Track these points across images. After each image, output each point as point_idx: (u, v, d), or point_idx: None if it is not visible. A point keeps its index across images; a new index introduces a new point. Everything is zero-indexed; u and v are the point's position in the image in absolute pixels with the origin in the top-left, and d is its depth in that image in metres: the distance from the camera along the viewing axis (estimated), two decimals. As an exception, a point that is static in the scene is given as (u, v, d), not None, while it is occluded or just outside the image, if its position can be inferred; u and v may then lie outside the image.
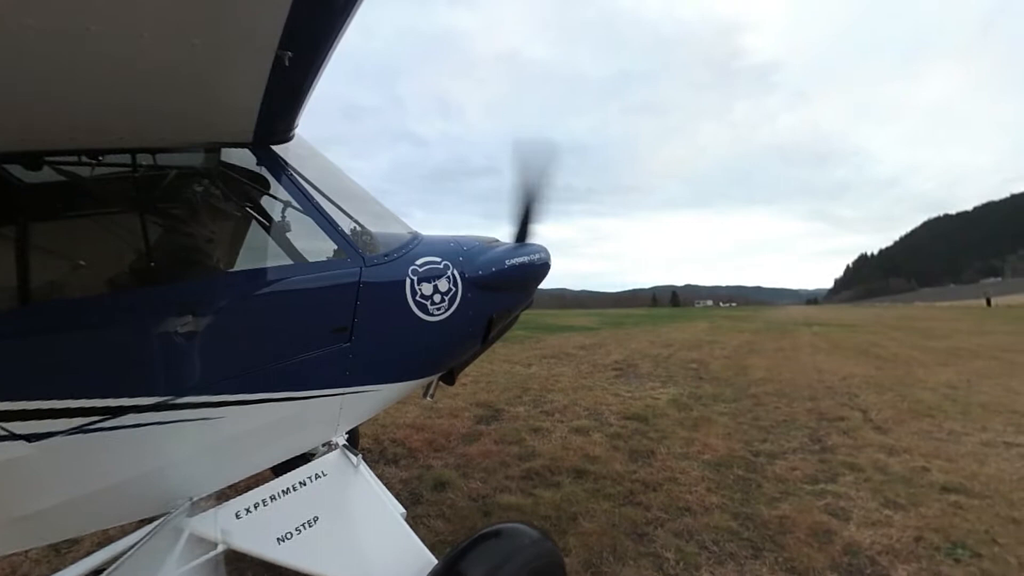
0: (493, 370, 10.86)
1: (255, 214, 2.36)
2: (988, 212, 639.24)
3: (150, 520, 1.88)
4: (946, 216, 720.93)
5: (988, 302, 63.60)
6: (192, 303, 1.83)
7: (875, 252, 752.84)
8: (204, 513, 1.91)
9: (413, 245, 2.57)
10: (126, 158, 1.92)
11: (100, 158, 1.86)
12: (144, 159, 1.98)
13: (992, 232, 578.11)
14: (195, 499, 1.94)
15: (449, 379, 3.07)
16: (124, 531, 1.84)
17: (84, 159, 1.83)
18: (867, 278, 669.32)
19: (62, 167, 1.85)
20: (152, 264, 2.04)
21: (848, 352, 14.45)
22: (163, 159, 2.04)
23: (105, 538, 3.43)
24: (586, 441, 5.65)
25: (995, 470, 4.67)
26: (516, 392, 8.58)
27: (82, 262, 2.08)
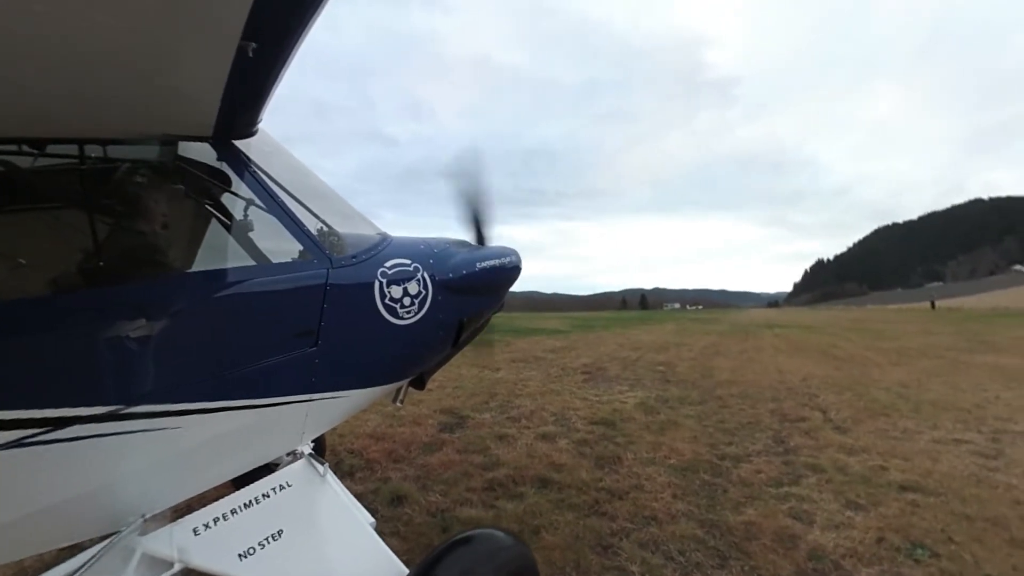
0: (461, 375, 10.60)
1: (215, 212, 2.23)
2: (931, 221, 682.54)
3: (96, 541, 1.74)
4: (895, 224, 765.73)
5: (932, 305, 67.80)
6: (145, 305, 1.72)
7: (831, 257, 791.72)
8: (158, 531, 1.78)
9: (382, 247, 2.48)
10: (73, 149, 1.79)
11: (43, 148, 1.72)
12: (93, 150, 1.86)
13: (935, 240, 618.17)
14: (148, 516, 1.79)
15: (419, 384, 2.97)
16: (42, 559, 1.57)
17: (25, 148, 1.69)
18: (824, 282, 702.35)
19: (0, 156, 1.72)
20: (101, 263, 1.87)
21: (808, 353, 14.93)
22: (114, 151, 1.92)
23: (20, 569, 3.04)
24: (552, 448, 5.50)
25: (947, 467, 4.78)
26: (483, 398, 8.36)
27: (22, 260, 1.91)
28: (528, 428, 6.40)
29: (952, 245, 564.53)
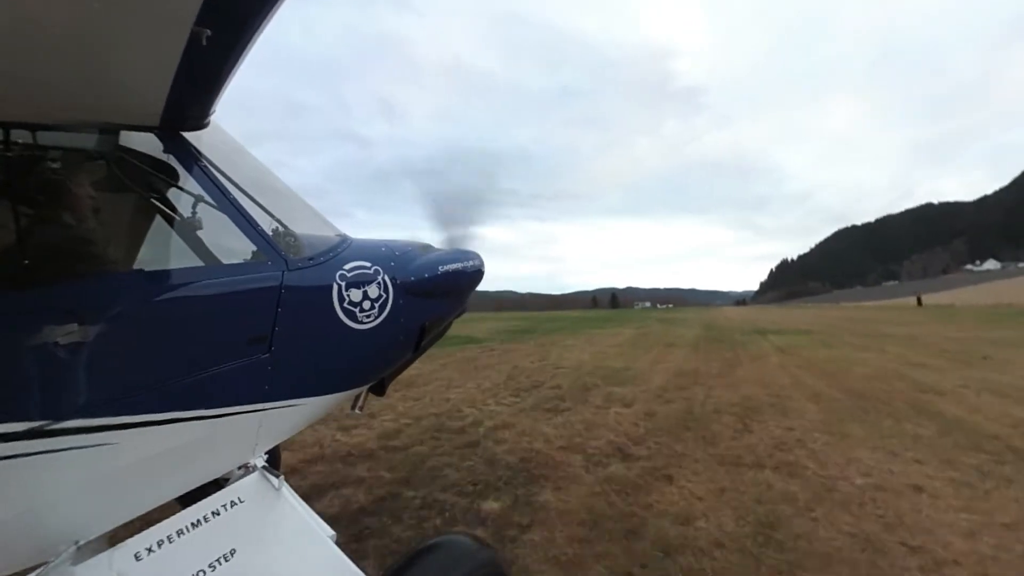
0: None
1: (160, 207, 1.97)
2: (887, 223, 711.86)
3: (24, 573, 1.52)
4: (852, 227, 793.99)
5: (919, 301, 63.78)
6: (78, 308, 1.50)
7: (794, 258, 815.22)
8: (95, 558, 1.58)
9: (342, 248, 2.35)
10: None
11: None
12: (20, 136, 1.63)
13: (890, 241, 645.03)
14: (81, 543, 1.58)
15: (380, 390, 2.85)
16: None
17: None
18: (788, 281, 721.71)
19: None
20: (26, 261, 1.61)
21: (878, 402, 7.32)
22: (45, 138, 1.69)
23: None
24: None
25: None
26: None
27: None
28: None
29: (906, 246, 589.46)
